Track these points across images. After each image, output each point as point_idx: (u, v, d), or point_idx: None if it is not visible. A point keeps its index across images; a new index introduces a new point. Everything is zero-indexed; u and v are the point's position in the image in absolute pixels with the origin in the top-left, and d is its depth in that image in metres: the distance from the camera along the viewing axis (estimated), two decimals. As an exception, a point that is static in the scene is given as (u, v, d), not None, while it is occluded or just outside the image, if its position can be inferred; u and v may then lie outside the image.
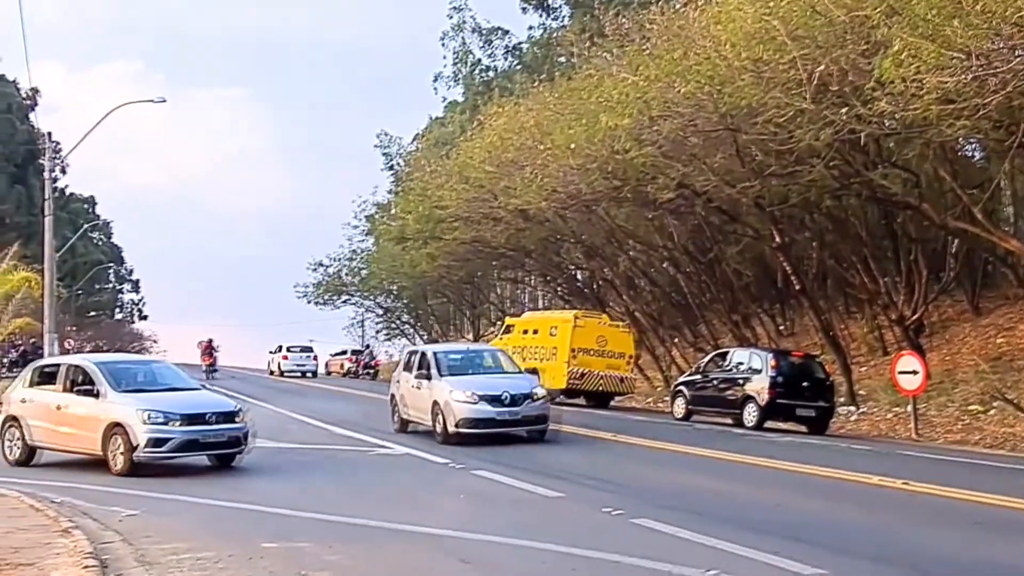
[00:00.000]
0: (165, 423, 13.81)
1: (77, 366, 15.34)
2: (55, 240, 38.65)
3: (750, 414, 23.30)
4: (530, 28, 61.21)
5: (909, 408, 23.28)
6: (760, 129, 21.29)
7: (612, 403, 31.54)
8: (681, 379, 27.64)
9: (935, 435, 22.48)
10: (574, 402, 29.69)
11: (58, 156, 48.43)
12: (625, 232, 36.19)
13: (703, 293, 37.28)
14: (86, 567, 7.89)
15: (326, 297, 63.30)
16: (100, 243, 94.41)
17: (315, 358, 56.74)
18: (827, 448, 19.18)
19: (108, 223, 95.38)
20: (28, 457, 15.56)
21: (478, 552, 8.69)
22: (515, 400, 17.83)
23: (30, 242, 49.65)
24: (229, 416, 14.60)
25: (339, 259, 61.37)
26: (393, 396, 20.18)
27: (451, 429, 17.35)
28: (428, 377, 18.29)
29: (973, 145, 28.79)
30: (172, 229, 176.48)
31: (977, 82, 16.24)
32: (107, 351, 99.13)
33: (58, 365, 16.07)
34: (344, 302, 65.01)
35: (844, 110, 18.85)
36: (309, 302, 63.69)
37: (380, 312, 68.56)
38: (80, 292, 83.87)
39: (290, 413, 24.86)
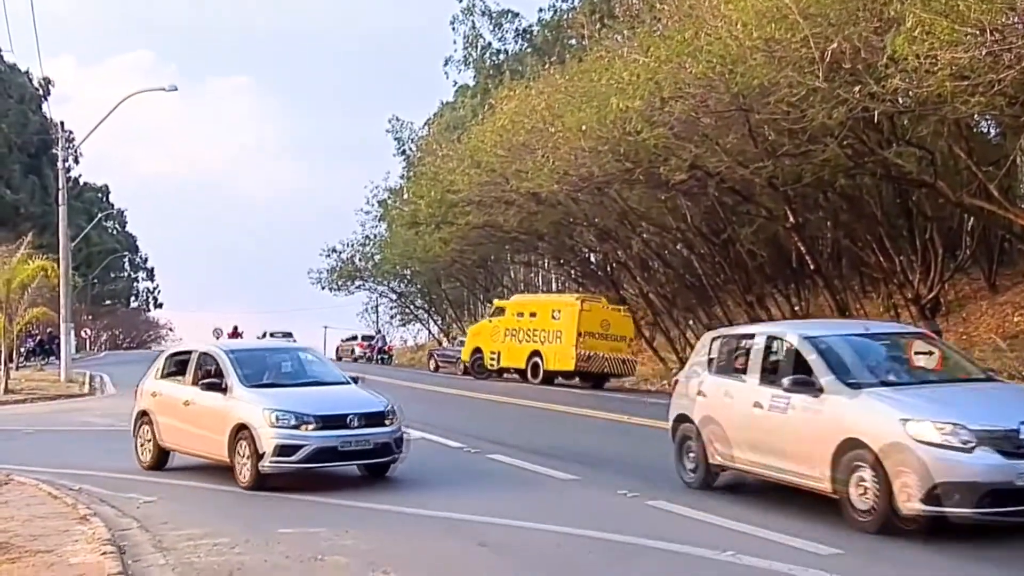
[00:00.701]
0: (296, 426, 11.41)
1: (206, 354, 13.10)
2: (70, 229, 38.82)
3: None
4: (540, 10, 61.11)
5: (925, 387, 23.16)
6: (773, 108, 21.15)
7: (609, 384, 32.18)
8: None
9: (952, 414, 22.35)
10: (570, 384, 30.01)
11: (71, 145, 48.55)
12: (638, 214, 36.08)
13: (717, 274, 37.15)
14: (104, 553, 7.93)
15: (339, 283, 63.46)
16: (114, 232, 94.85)
17: (294, 342, 58.01)
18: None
19: (122, 212, 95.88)
20: (160, 460, 13.39)
21: (494, 535, 8.70)
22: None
23: (45, 232, 49.86)
24: (376, 418, 11.97)
25: (352, 245, 61.52)
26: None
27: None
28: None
29: (988, 121, 28.56)
30: (186, 217, 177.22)
31: (992, 57, 16.09)
32: (124, 340, 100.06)
33: (189, 353, 13.68)
34: (358, 287, 65.18)
35: (857, 88, 18.71)
36: (323, 288, 63.90)
37: (394, 297, 68.66)
38: (95, 281, 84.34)
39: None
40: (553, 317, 32.47)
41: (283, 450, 11.27)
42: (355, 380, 13.17)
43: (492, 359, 34.42)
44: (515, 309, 34.70)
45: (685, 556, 7.90)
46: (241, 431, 11.60)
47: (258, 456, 11.33)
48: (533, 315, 33.37)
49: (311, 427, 11.45)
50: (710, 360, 11.31)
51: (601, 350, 31.52)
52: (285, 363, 13.73)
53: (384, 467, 12.18)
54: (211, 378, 12.47)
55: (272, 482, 11.34)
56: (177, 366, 13.67)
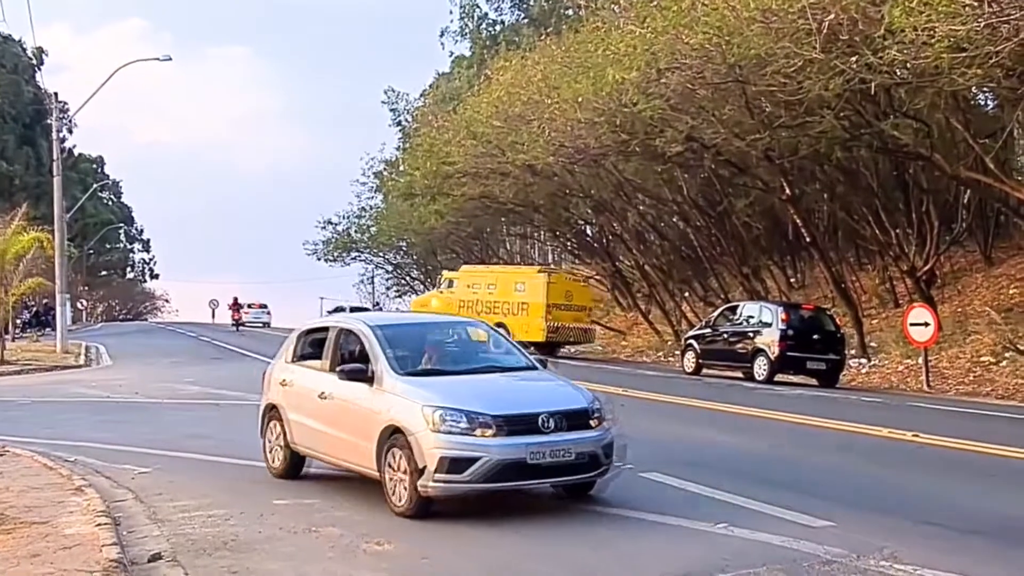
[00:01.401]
0: (469, 430, 8.37)
1: (347, 331, 10.11)
2: (64, 200, 38.72)
3: (760, 367, 23.34)
4: (537, -19, 60.71)
5: (920, 360, 23.28)
6: (769, 80, 21.08)
7: (574, 351, 33.97)
8: (691, 333, 27.69)
9: (946, 387, 22.47)
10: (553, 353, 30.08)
11: (65, 116, 48.34)
12: (634, 186, 36.05)
13: (713, 246, 37.16)
14: (99, 524, 7.95)
15: (336, 254, 63.39)
16: (110, 203, 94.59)
17: (269, 312, 66.48)
18: (838, 400, 19.20)
19: (117, 183, 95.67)
20: (293, 467, 10.40)
21: (485, 506, 8.71)
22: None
23: (40, 203, 49.73)
24: (578, 417, 8.76)
25: (348, 216, 61.42)
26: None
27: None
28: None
29: (985, 94, 28.48)
30: (182, 188, 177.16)
31: (989, 29, 16.03)
32: (120, 311, 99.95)
33: (326, 329, 10.58)
34: (354, 259, 65.14)
35: (854, 59, 18.65)
36: (319, 259, 63.83)
37: (390, 268, 68.67)
38: (91, 252, 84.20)
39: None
40: (516, 289, 33.14)
41: (452, 464, 8.28)
42: (542, 364, 10.15)
43: None
44: (467, 280, 35.21)
45: (677, 528, 7.93)
46: (393, 436, 8.66)
47: (418, 472, 8.34)
48: (491, 287, 33.95)
49: (490, 432, 8.40)
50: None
51: (566, 321, 32.59)
52: (449, 342, 10.66)
53: (588, 485, 9.05)
54: (353, 361, 9.64)
55: (438, 507, 8.55)
56: (313, 346, 10.67)
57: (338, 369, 9.58)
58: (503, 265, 36.83)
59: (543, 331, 31.69)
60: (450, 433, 8.35)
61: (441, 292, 35.97)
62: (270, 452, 10.67)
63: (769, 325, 23.74)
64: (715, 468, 10.60)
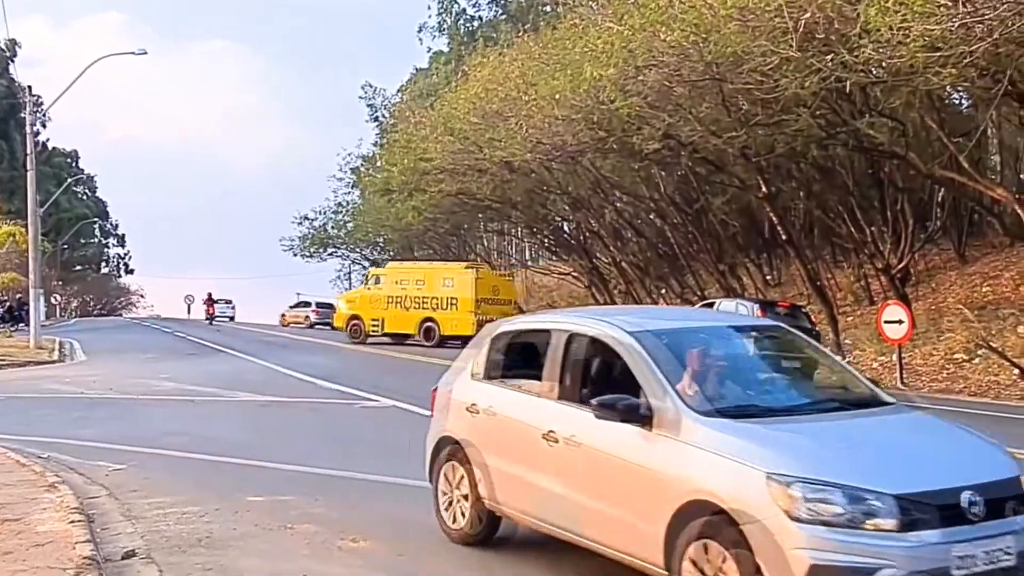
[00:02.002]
0: (857, 519, 5.09)
1: (586, 337, 6.74)
2: (38, 195, 38.41)
3: None
4: (515, -23, 60.74)
5: (894, 357, 23.41)
6: (746, 78, 21.15)
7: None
8: None
9: (920, 383, 22.62)
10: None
11: (39, 110, 47.96)
12: (611, 183, 36.12)
13: (690, 244, 37.31)
14: (72, 522, 7.89)
15: (312, 250, 63.22)
16: (84, 197, 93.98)
17: (233, 307, 69.90)
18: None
19: (92, 177, 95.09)
20: (485, 530, 7.42)
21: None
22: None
23: (13, 197, 49.43)
24: (1011, 491, 5.52)
25: (324, 212, 61.26)
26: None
27: None
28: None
29: (960, 93, 28.69)
30: (158, 183, 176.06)
31: (964, 29, 16.13)
32: (95, 307, 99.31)
33: (547, 333, 7.13)
34: (330, 255, 64.98)
35: (830, 58, 18.74)
36: (295, 255, 63.66)
37: (367, 264, 68.51)
38: (65, 247, 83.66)
39: (276, 367, 24.85)
40: (444, 285, 34.76)
41: None
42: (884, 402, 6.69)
43: (375, 326, 36.04)
44: (395, 277, 36.56)
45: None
46: (704, 519, 5.42)
47: None
48: (420, 283, 35.31)
49: (891, 523, 5.10)
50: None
51: (494, 314, 32.36)
52: (755, 359, 7.11)
53: None
54: (610, 390, 6.15)
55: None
56: (518, 357, 7.44)
57: (594, 402, 6.08)
58: (430, 262, 37.79)
59: (473, 325, 32.15)
60: (823, 524, 5.05)
61: (369, 289, 37.28)
62: (448, 507, 7.67)
63: None
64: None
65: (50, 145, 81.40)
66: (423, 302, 34.84)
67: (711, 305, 26.68)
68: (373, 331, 36.07)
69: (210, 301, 59.15)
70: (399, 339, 35.35)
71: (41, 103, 45.87)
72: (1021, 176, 33.52)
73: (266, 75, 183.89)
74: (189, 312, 70.48)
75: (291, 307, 61.84)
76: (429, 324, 34.73)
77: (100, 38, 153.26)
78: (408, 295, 35.21)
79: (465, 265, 37.36)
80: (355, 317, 36.86)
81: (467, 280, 34.39)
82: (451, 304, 34.28)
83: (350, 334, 36.81)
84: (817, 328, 25.23)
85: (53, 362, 29.65)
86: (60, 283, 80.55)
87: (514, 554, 7.29)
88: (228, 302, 70.09)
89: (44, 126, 71.77)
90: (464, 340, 33.15)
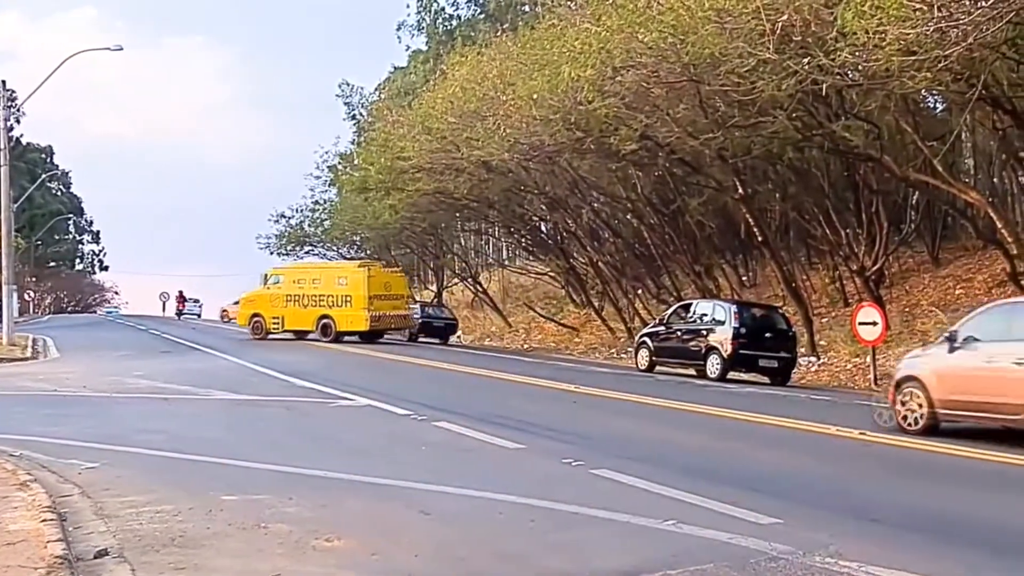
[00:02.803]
0: None
1: None
2: (12, 190, 38.09)
3: (714, 365, 23.61)
4: (494, -24, 60.70)
5: (868, 358, 23.57)
6: (723, 80, 21.27)
7: (526, 346, 37.50)
8: (645, 330, 27.94)
9: (893, 385, 22.75)
10: (515, 352, 30.29)
11: (13, 105, 47.60)
12: (588, 183, 36.19)
13: (666, 244, 37.42)
14: (44, 520, 7.82)
15: (288, 248, 62.90)
16: (59, 193, 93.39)
17: (201, 305, 75.83)
18: (787, 398, 19.41)
19: (67, 173, 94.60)
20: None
21: (438, 503, 8.72)
22: None
23: (-14, 192, 48.91)
24: None
25: (301, 210, 61.00)
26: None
27: None
28: None
29: (934, 97, 28.92)
30: (134, 179, 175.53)
31: (938, 34, 16.27)
32: (69, 303, 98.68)
33: None
34: (307, 253, 64.66)
35: (806, 60, 18.87)
36: (272, 253, 63.34)
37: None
38: (39, 243, 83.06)
39: (251, 365, 24.76)
40: (339, 283, 36.37)
41: None
42: None
43: (275, 323, 37.56)
44: (293, 277, 38.35)
45: (626, 524, 7.97)
46: None
47: None
48: (316, 282, 37.00)
49: None
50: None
51: (386, 309, 36.25)
52: None
53: None
54: None
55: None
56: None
57: None
58: (326, 261, 39.13)
59: (366, 320, 35.13)
60: None
61: (268, 288, 38.58)
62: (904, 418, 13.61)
63: (722, 323, 24.03)
64: (664, 465, 10.68)
65: (24, 140, 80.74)
66: (320, 300, 36.41)
67: (688, 307, 26.78)
68: (274, 328, 37.49)
69: (181, 299, 66.02)
70: (300, 335, 36.84)
71: (15, 98, 45.53)
72: (994, 180, 33.81)
73: (242, 70, 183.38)
74: (164, 309, 70.57)
75: (234, 303, 62.20)
76: (326, 321, 36.25)
77: (75, 33, 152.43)
78: (306, 293, 36.75)
79: (358, 264, 39.00)
80: (256, 315, 38.23)
81: (360, 278, 35.95)
82: (346, 301, 35.84)
83: (252, 331, 38.21)
84: (794, 330, 25.37)
85: (26, 359, 29.43)
86: (33, 280, 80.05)
87: (487, 555, 7.30)
88: (196, 301, 75.61)
89: (18, 121, 71.13)
90: (360, 335, 35.01)
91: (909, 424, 13.41)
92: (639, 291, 39.56)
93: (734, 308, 24.67)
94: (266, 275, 39.98)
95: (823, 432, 13.70)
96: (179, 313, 68.15)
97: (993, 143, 30.77)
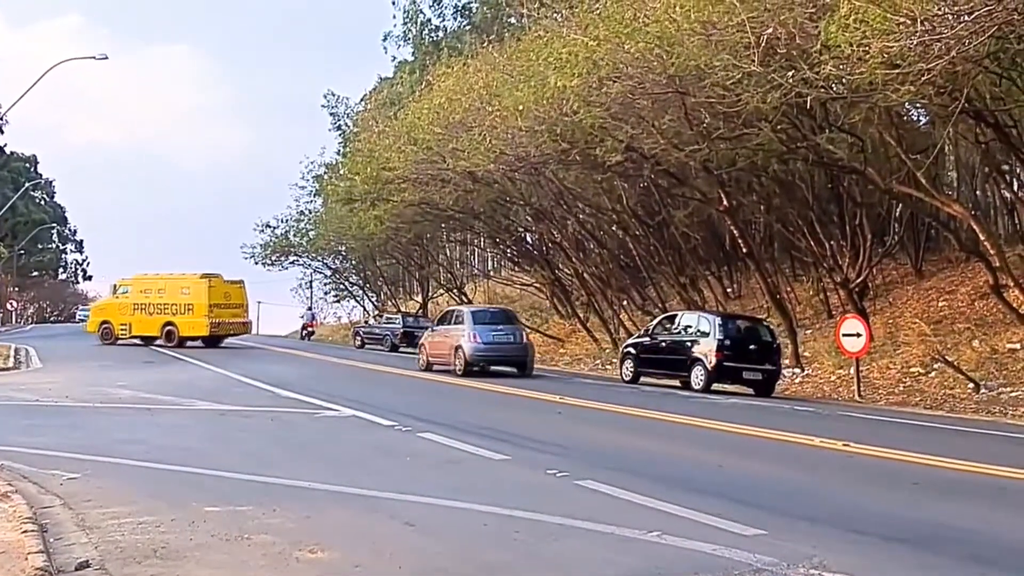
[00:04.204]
0: None
1: None
2: (-5, 199, 37.96)
3: (698, 376, 23.61)
4: (480, -12, 60.84)
5: (852, 370, 23.64)
6: (708, 92, 21.34)
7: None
8: (629, 341, 28.00)
9: (877, 397, 22.86)
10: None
11: (-3, 113, 47.44)
12: (574, 195, 36.24)
13: (651, 256, 37.47)
14: (25, 531, 7.77)
15: (273, 258, 62.80)
16: (42, 202, 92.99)
17: None
18: (771, 410, 19.43)
19: (51, 182, 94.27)
20: None
21: (422, 515, 8.69)
22: None
23: (-31, 201, 48.69)
24: None
25: (286, 220, 60.92)
26: None
27: None
28: None
29: (918, 110, 29.11)
30: (118, 187, 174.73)
31: (922, 47, 16.36)
32: (52, 313, 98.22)
33: None
34: (292, 263, 64.59)
35: (791, 73, 18.95)
36: (256, 263, 63.25)
37: (328, 273, 68.22)
38: (22, 252, 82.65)
39: (235, 375, 24.69)
40: (182, 293, 39.69)
41: None
42: None
43: (123, 329, 40.71)
44: (140, 287, 41.05)
45: (611, 536, 7.96)
46: None
47: None
48: (161, 291, 40.19)
49: None
50: None
51: (226, 317, 39.90)
52: None
53: None
54: None
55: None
56: None
57: None
58: (171, 273, 42.26)
59: (207, 326, 38.83)
60: None
61: (116, 297, 41.70)
62: None
63: (707, 335, 24.05)
64: (649, 476, 10.68)
65: (8, 149, 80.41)
66: (164, 308, 39.81)
67: (673, 318, 26.80)
68: (122, 334, 40.51)
69: None
70: (147, 340, 40.03)
71: (-1, 106, 45.35)
72: (977, 192, 34.02)
73: (226, 78, 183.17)
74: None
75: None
76: (170, 328, 39.68)
77: (59, 41, 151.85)
78: (152, 302, 40.06)
79: (200, 275, 40.98)
80: (106, 322, 41.40)
81: (202, 288, 39.31)
82: (188, 309, 39.29)
83: (101, 336, 41.06)
84: (778, 341, 25.42)
85: (8, 369, 29.25)
86: (16, 289, 79.60)
87: (471, 567, 7.27)
88: None
89: (1, 130, 70.90)
90: (202, 340, 38.66)
91: None
92: (624, 302, 39.57)
93: (719, 320, 24.68)
94: (115, 285, 42.86)
95: (806, 443, 13.72)
96: None
97: (976, 156, 30.96)
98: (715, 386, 23.46)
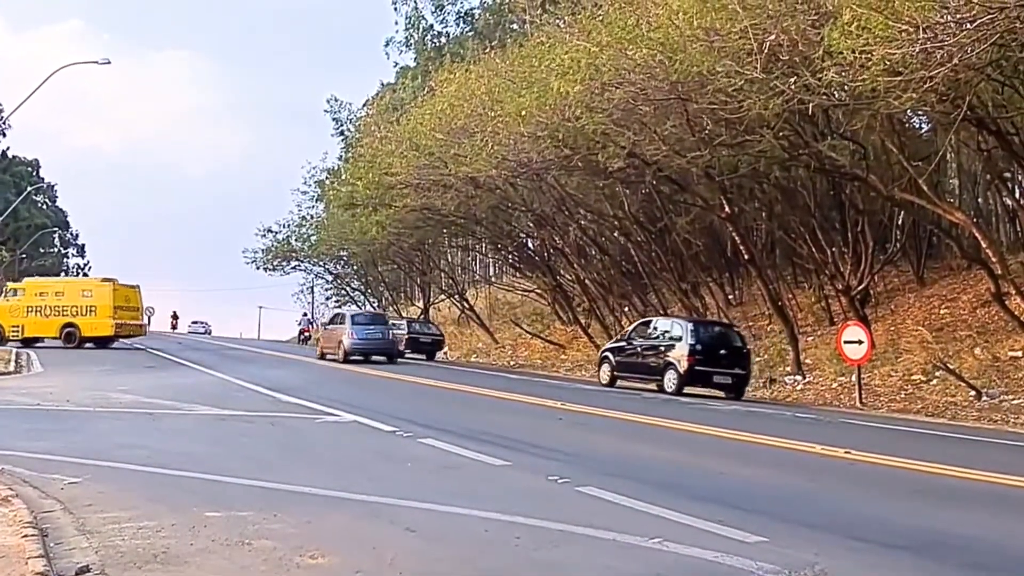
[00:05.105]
0: None
1: None
2: (-3, 203, 38.06)
3: (670, 380, 24.44)
4: (482, -6, 60.96)
5: (854, 377, 23.64)
6: (710, 98, 21.36)
7: (512, 364, 39.11)
8: (608, 346, 28.78)
9: (878, 404, 22.84)
10: (499, 369, 30.16)
11: (-1, 117, 47.56)
12: (575, 201, 36.25)
13: (653, 262, 37.46)
14: (25, 536, 7.75)
15: (275, 263, 62.87)
16: (44, 206, 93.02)
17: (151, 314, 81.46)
18: (772, 416, 19.41)
19: (53, 186, 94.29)
20: None
21: (423, 521, 8.67)
22: None
23: (-29, 206, 48.74)
24: None
25: (288, 225, 61.01)
26: None
27: None
28: None
29: (920, 117, 29.11)
30: (120, 192, 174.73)
31: (924, 54, 16.37)
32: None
33: None
34: (293, 268, 64.66)
35: (793, 80, 18.97)
36: (258, 268, 63.33)
37: (329, 278, 68.25)
38: (24, 256, 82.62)
39: (236, 380, 24.66)
40: (83, 296, 42.02)
41: None
42: None
43: (15, 331, 41.94)
44: (34, 290, 43.06)
45: (612, 542, 7.94)
46: None
47: None
48: (60, 295, 42.35)
49: None
50: None
51: (127, 319, 42.75)
52: None
53: None
54: None
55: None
56: None
57: None
58: (67, 277, 47.34)
59: (111, 327, 41.27)
60: None
61: (7, 300, 42.95)
62: None
63: (680, 340, 24.70)
64: (650, 482, 10.65)
65: (10, 153, 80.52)
66: (63, 310, 41.68)
67: (648, 323, 27.50)
68: (13, 336, 41.69)
69: (151, 311, 70.32)
70: (37, 340, 41.53)
71: (1, 111, 45.51)
72: (979, 200, 33.99)
73: (226, 83, 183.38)
74: (149, 323, 70.76)
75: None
76: (70, 329, 41.66)
77: (61, 45, 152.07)
78: (48, 304, 41.88)
79: (101, 279, 44.11)
80: None
81: (106, 292, 41.83)
82: (90, 311, 41.37)
83: None
84: (749, 347, 26.28)
85: (9, 373, 29.20)
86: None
87: (471, 573, 7.26)
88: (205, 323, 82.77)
89: (4, 134, 71.09)
90: (104, 340, 41.24)
91: None
92: (626, 308, 39.57)
93: (690, 326, 25.60)
94: (4, 289, 44.93)
95: (808, 451, 13.70)
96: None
97: (978, 164, 30.96)
98: (687, 389, 24.12)
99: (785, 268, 36.18)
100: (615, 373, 26.83)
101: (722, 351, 24.74)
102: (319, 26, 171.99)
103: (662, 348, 25.31)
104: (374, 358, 35.28)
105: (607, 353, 27.73)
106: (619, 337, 29.06)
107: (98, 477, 10.94)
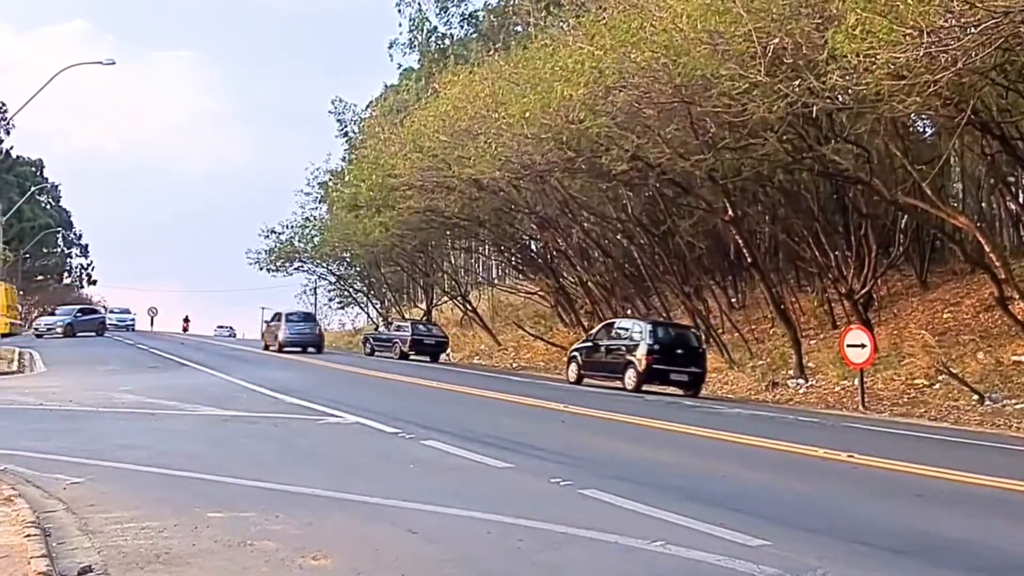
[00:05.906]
0: None
1: None
2: (1, 203, 38.03)
3: (630, 378, 25.70)
4: (486, -4, 60.97)
5: (856, 381, 23.61)
6: (714, 101, 21.35)
7: (514, 365, 38.94)
8: (576, 346, 29.99)
9: (881, 408, 22.81)
10: (508, 372, 30.27)
11: (3, 118, 47.70)
12: (579, 203, 36.25)
13: (656, 265, 37.45)
14: (28, 536, 7.76)
15: (278, 264, 62.86)
16: (48, 207, 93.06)
17: (133, 317, 78.45)
18: (774, 420, 19.41)
19: (56, 186, 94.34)
20: None
21: (425, 522, 8.67)
22: None
23: (-25, 206, 48.86)
24: None
25: (292, 226, 61.01)
26: None
27: None
28: None
29: (924, 121, 29.09)
30: (123, 192, 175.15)
31: (928, 58, 16.36)
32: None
33: None
34: (296, 269, 64.65)
35: (797, 83, 18.96)
36: (261, 269, 63.33)
37: (332, 280, 68.25)
38: (27, 256, 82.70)
39: (240, 381, 24.67)
40: None
41: None
42: None
43: None
44: None
45: (615, 545, 7.94)
46: None
47: None
48: None
49: None
50: None
51: (14, 318, 47.42)
52: None
53: None
54: None
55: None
56: None
57: None
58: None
59: (6, 325, 44.44)
60: None
61: None
62: None
63: (639, 340, 26.02)
64: (653, 485, 10.65)
65: (14, 153, 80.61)
66: None
67: (612, 325, 28.96)
68: None
69: (154, 312, 78.08)
70: None
71: (5, 111, 45.65)
72: (982, 204, 33.97)
73: (231, 84, 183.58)
74: (152, 324, 70.82)
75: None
76: None
77: (65, 46, 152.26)
78: None
79: None
80: None
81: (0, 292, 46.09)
82: None
83: None
84: (704, 347, 27.91)
85: (13, 373, 29.26)
86: (21, 293, 79.64)
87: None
88: (125, 311, 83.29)
89: (8, 134, 71.27)
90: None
91: None
92: (628, 311, 39.55)
93: (649, 327, 26.95)
94: None
95: (810, 454, 13.69)
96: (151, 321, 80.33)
97: (982, 168, 30.95)
98: (645, 387, 25.45)
99: (788, 271, 36.15)
100: (582, 372, 28.10)
101: (679, 351, 26.06)
102: (323, 28, 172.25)
103: (623, 348, 26.63)
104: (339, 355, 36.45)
105: (575, 353, 29.07)
106: (586, 337, 30.25)
107: (101, 477, 10.95)
